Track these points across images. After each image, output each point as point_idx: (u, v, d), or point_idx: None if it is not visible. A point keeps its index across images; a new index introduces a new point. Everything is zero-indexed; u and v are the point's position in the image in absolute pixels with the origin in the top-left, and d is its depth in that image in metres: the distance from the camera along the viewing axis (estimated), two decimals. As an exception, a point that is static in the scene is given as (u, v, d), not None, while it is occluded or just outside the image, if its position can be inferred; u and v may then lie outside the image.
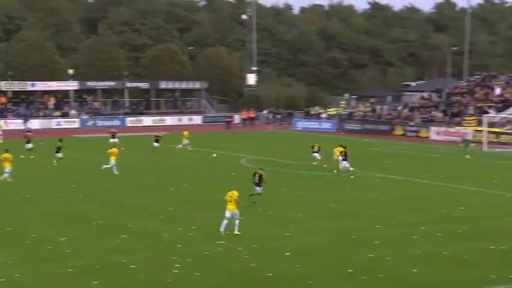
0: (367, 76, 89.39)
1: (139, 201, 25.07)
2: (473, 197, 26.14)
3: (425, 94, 60.33)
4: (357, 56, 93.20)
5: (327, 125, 61.50)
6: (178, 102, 72.42)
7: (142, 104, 70.14)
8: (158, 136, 41.16)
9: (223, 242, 19.08)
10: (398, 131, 55.35)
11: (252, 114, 67.90)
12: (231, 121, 65.61)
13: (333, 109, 67.87)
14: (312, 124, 62.24)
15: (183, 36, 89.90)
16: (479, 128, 48.55)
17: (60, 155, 34.85)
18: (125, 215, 22.60)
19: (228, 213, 19.89)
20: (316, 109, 66.90)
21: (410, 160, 38.44)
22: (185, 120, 68.21)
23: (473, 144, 41.73)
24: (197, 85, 72.56)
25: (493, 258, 17.56)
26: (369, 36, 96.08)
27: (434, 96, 58.27)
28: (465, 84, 58.48)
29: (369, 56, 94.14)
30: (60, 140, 36.20)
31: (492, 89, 54.27)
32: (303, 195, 26.11)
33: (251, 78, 76.62)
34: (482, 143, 44.62)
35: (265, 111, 69.75)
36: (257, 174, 24.07)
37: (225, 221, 19.79)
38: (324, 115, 64.61)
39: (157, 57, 75.76)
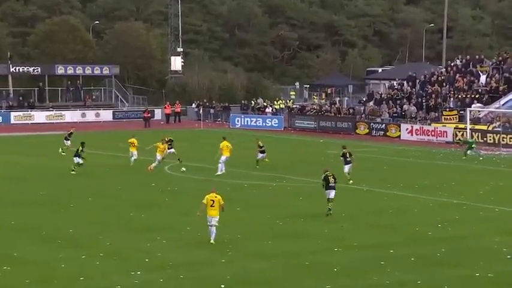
0: (322, 60, 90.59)
1: (28, 221, 24.57)
2: (454, 212, 26.81)
3: (395, 83, 61.60)
4: (309, 35, 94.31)
5: (273, 122, 62.00)
6: (80, 93, 71.28)
7: (32, 94, 68.66)
8: (71, 133, 41.57)
9: (139, 272, 18.86)
10: (362, 129, 56.33)
11: (178, 108, 67.63)
12: (150, 117, 65.20)
13: (281, 102, 68.46)
14: (254, 121, 62.70)
15: (86, 7, 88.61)
16: (461, 125, 49.94)
17: None
18: (9, 240, 22.08)
19: (210, 220, 21.66)
20: (259, 102, 67.28)
21: (377, 165, 39.11)
22: (90, 115, 67.33)
23: (475, 146, 42.57)
24: (106, 70, 71.68)
25: None
26: (325, 9, 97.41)
27: (406, 85, 59.56)
28: (444, 70, 60.00)
29: (325, 35, 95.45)
30: None
31: (477, 76, 55.87)
32: (241, 210, 26.15)
33: (176, 62, 76.27)
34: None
35: (194, 105, 69.63)
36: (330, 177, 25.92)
37: (211, 228, 21.61)
38: (269, 110, 65.06)
39: (51, 33, 74.24)
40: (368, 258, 20.32)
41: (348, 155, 32.80)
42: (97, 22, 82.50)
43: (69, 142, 41.23)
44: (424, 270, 19.18)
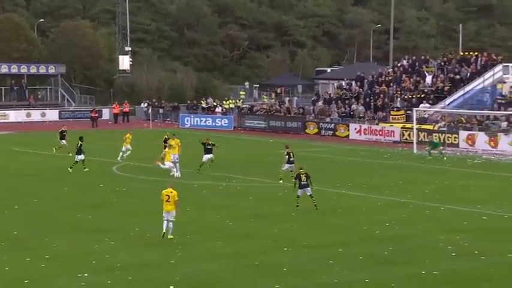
0: (272, 60, 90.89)
1: (-28, 224, 24.05)
2: (401, 210, 27.18)
3: (343, 83, 62.15)
4: (259, 35, 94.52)
5: (223, 122, 61.96)
6: (25, 92, 70.05)
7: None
8: (64, 131, 41.26)
9: (86, 274, 18.63)
10: (312, 128, 56.69)
11: (126, 108, 67.04)
12: (98, 117, 64.51)
13: (231, 102, 68.47)
14: (204, 121, 62.55)
15: (31, 5, 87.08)
16: (408, 125, 50.67)
17: None
18: (-48, 243, 21.59)
19: (166, 215, 22.02)
20: (209, 102, 67.16)
21: (326, 165, 39.41)
22: (36, 115, 66.28)
23: (441, 147, 43.19)
24: (51, 69, 70.63)
25: (425, 286, 18.31)
26: (274, 9, 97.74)
27: (354, 85, 60.14)
28: (391, 70, 60.77)
29: (274, 35, 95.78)
30: None
31: (423, 76, 56.75)
32: (191, 210, 26.06)
33: (124, 62, 75.58)
34: (412, 143, 46.62)
35: (143, 104, 69.12)
36: (302, 175, 26.39)
37: (165, 223, 21.97)
38: (219, 109, 65.01)
39: (-6, 31, 72.85)
40: (317, 258, 20.45)
41: (291, 155, 32.97)
42: (42, 20, 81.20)
43: (64, 141, 40.79)
44: (372, 269, 19.39)
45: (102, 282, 18.09)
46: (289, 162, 33.04)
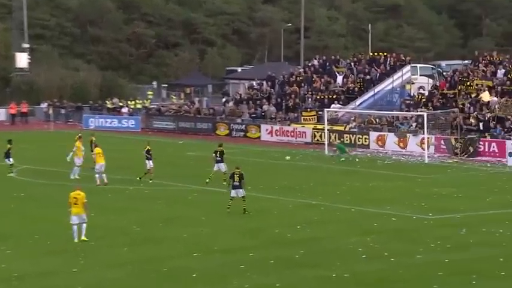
0: (181, 58, 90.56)
1: None
2: (312, 213, 27.66)
3: (254, 83, 62.57)
4: (167, 32, 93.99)
5: (129, 123, 61.36)
6: None
7: None
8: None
9: (-17, 285, 18.08)
10: (222, 130, 56.81)
11: (25, 108, 65.34)
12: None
13: (138, 102, 67.83)
14: (109, 122, 61.76)
15: None
16: (319, 126, 51.47)
17: None
18: None
19: (74, 219, 22.16)
20: (114, 102, 66.31)
21: (233, 167, 39.57)
22: None
23: (347, 151, 43.91)
24: None
25: None
26: (182, 6, 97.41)
27: (265, 85, 60.62)
28: (302, 70, 61.57)
29: (183, 33, 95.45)
30: None
31: (334, 76, 57.76)
32: (96, 216, 25.69)
33: (22, 59, 73.57)
34: (324, 144, 47.38)
35: (43, 105, 67.51)
36: (236, 175, 26.52)
37: (75, 228, 22.08)
38: (125, 110, 64.30)
39: None
40: (228, 263, 20.56)
41: (217, 154, 33.13)
42: None
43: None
44: (282, 273, 19.65)
45: (0, 293, 17.63)
46: (217, 162, 33.05)
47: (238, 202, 26.96)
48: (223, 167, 33.03)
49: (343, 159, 42.69)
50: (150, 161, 33.54)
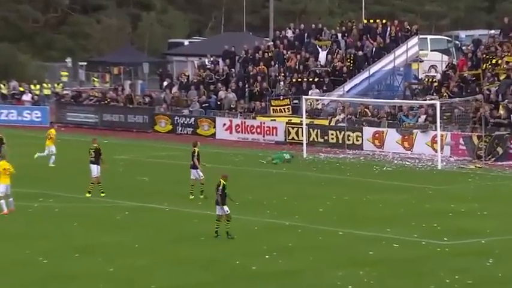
0: (105, 27, 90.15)
1: None
2: (286, 237, 27.59)
3: (207, 60, 62.41)
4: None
5: (34, 116, 60.94)
6: None
7: None
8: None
9: None
10: (164, 125, 56.63)
11: None
12: None
13: (45, 86, 67.35)
14: (6, 114, 61.31)
15: None
16: (295, 120, 51.44)
17: None
18: None
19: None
20: (12, 86, 65.75)
21: (184, 176, 39.46)
22: None
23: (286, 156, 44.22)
24: None
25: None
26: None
27: (221, 64, 60.50)
28: (272, 44, 61.51)
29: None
30: None
31: (315, 52, 57.71)
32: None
33: None
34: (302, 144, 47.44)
35: None
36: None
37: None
38: (27, 97, 63.83)
39: None
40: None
41: (192, 155, 33.36)
42: None
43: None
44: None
45: None
46: (192, 167, 33.29)
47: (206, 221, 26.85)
48: (199, 173, 33.06)
49: (275, 161, 43.14)
50: (96, 166, 33.94)
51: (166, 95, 59.59)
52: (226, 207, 27.11)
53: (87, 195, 33.70)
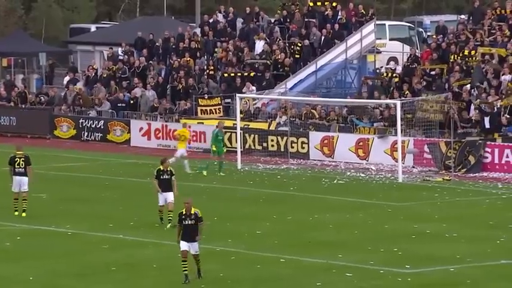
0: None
1: None
2: (216, 266, 27.55)
3: (119, 50, 62.12)
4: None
5: None
6: None
7: None
8: None
9: None
10: (65, 129, 56.39)
11: None
12: None
13: None
14: None
15: None
16: (228, 122, 51.41)
17: None
18: None
19: None
20: None
21: (92, 193, 39.46)
22: None
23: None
24: None
25: None
26: None
27: (135, 54, 60.27)
28: (199, 30, 61.46)
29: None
30: None
31: (251, 42, 57.74)
32: None
33: None
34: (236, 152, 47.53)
35: None
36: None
37: None
38: None
39: None
40: None
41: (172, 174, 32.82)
42: None
43: None
44: None
45: None
46: (163, 190, 32.57)
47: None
48: (170, 197, 32.54)
49: (204, 172, 44.10)
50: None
51: (68, 92, 59.19)
52: (196, 244, 25.63)
53: (22, 214, 33.84)
